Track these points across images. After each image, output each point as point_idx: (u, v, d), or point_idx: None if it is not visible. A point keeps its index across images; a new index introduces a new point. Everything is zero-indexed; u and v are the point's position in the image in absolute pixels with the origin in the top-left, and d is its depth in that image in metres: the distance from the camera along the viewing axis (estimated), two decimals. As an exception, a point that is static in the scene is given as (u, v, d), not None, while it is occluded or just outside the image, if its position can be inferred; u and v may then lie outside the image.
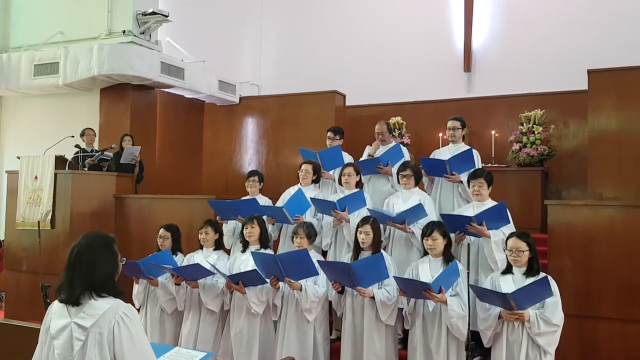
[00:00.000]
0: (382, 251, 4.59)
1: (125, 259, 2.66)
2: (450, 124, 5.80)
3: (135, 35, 8.50)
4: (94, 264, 2.49)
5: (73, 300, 2.47)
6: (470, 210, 4.83)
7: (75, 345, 2.46)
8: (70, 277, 2.49)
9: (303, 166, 5.80)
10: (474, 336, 4.12)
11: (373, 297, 4.37)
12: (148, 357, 2.50)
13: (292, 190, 5.83)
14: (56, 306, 2.55)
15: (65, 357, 2.47)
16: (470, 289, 4.02)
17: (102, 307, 2.46)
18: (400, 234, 5.10)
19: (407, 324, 4.45)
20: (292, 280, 4.52)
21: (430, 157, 5.89)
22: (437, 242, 4.32)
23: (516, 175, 7.82)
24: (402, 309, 4.46)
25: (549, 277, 3.91)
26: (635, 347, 4.79)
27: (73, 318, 2.48)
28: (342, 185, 5.59)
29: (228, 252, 5.66)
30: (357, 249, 4.64)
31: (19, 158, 7.67)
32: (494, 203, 4.76)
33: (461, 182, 5.39)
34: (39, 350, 2.57)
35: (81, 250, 2.52)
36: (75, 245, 2.56)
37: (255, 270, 4.60)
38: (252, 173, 6.13)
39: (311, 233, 4.87)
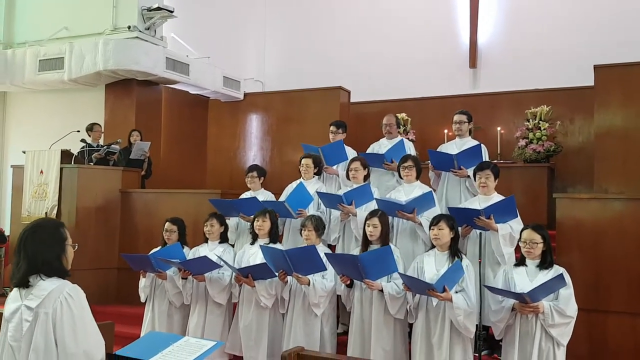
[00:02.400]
0: (390, 244, 4.57)
1: (76, 245, 2.72)
2: (456, 117, 5.77)
3: (140, 31, 8.51)
4: (37, 247, 2.56)
5: (21, 282, 2.56)
6: (476, 203, 4.79)
7: (24, 327, 2.52)
8: (17, 260, 2.58)
9: (303, 160, 5.78)
10: (485, 327, 4.10)
11: (381, 291, 4.35)
12: (90, 340, 2.52)
13: (294, 184, 5.81)
14: (12, 292, 2.64)
15: (16, 339, 2.55)
16: (480, 284, 3.99)
17: (48, 287, 2.52)
18: (405, 226, 5.07)
19: (411, 317, 4.40)
20: (300, 275, 4.50)
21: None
22: (443, 232, 4.25)
23: (522, 171, 7.79)
24: (407, 303, 4.43)
25: (563, 270, 3.89)
26: (645, 341, 4.78)
27: (23, 301, 2.55)
28: (349, 179, 5.56)
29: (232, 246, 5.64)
30: (365, 242, 4.62)
31: (24, 152, 7.67)
32: (501, 197, 4.74)
33: (468, 176, 5.37)
34: None
35: (26, 234, 2.61)
36: (22, 230, 2.66)
37: (265, 263, 4.59)
38: (251, 168, 6.09)
39: (319, 225, 4.85)
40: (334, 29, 10.80)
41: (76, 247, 2.73)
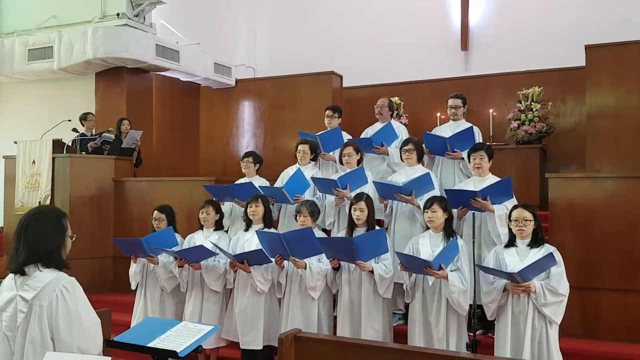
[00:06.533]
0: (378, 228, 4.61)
1: (74, 236, 2.69)
2: (451, 102, 5.77)
3: (129, 18, 8.44)
4: (39, 235, 2.53)
5: (17, 268, 2.52)
6: (471, 185, 4.82)
7: (19, 318, 2.50)
8: (17, 245, 2.55)
9: (300, 146, 5.78)
10: (479, 307, 4.14)
11: (371, 272, 4.40)
12: (84, 335, 2.50)
13: (290, 170, 5.82)
14: (6, 280, 2.60)
15: (11, 328, 2.52)
16: (475, 267, 4.03)
17: (44, 279, 2.49)
18: (404, 209, 5.09)
19: (407, 297, 4.46)
20: (297, 259, 4.52)
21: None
22: (436, 214, 4.31)
23: (514, 153, 7.83)
24: (403, 284, 4.48)
25: (554, 248, 3.92)
26: (637, 317, 4.84)
27: (18, 291, 2.51)
28: (343, 165, 5.57)
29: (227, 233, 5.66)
30: (351, 225, 4.65)
31: (15, 143, 7.63)
32: (495, 178, 4.76)
33: (462, 159, 5.39)
34: None
35: (28, 220, 2.57)
36: (24, 215, 2.62)
37: (261, 249, 4.60)
38: (247, 154, 6.09)
39: (314, 211, 4.86)
40: (324, 13, 10.73)
41: (74, 238, 2.70)
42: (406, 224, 5.09)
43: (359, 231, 4.60)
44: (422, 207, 4.81)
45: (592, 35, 7.81)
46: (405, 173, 5.25)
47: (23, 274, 2.53)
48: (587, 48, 7.20)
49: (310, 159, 5.80)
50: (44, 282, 2.49)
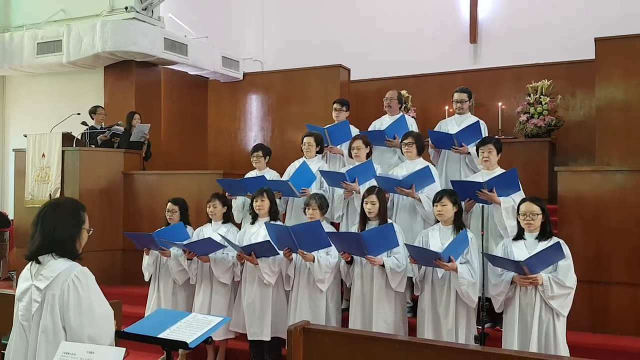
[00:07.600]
0: (391, 221, 4.60)
1: (92, 229, 2.73)
2: (457, 96, 5.76)
3: (137, 12, 8.45)
4: (55, 223, 2.57)
5: (31, 255, 2.57)
6: (480, 178, 4.82)
7: (33, 307, 2.54)
8: (33, 233, 2.60)
9: (305, 139, 5.80)
10: (487, 299, 4.15)
11: (382, 265, 4.40)
12: (95, 325, 2.52)
13: (296, 163, 5.83)
14: (24, 271, 2.66)
15: (27, 318, 2.57)
16: (483, 257, 4.03)
17: (57, 268, 2.53)
18: (405, 203, 5.10)
19: (417, 290, 4.48)
20: (305, 252, 4.54)
21: (437, 128, 5.90)
22: (446, 208, 4.32)
23: (523, 146, 7.80)
24: (412, 276, 4.49)
25: (561, 241, 3.92)
26: (646, 311, 4.84)
27: (33, 281, 2.56)
28: (352, 158, 5.58)
29: (238, 226, 5.67)
30: (363, 219, 4.65)
31: (25, 136, 7.67)
32: (503, 171, 4.75)
33: (469, 153, 5.39)
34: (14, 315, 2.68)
35: (46, 209, 2.63)
36: (43, 204, 2.69)
37: (268, 241, 4.62)
38: (256, 148, 6.11)
39: (323, 204, 4.88)
40: (332, 6, 10.71)
41: (91, 231, 2.73)
42: (407, 217, 5.11)
43: (372, 224, 4.60)
44: (423, 200, 4.84)
45: (602, 28, 7.75)
46: (407, 167, 5.26)
47: (38, 262, 2.57)
48: (597, 41, 7.14)
49: (316, 152, 5.81)
50: (56, 271, 2.52)
